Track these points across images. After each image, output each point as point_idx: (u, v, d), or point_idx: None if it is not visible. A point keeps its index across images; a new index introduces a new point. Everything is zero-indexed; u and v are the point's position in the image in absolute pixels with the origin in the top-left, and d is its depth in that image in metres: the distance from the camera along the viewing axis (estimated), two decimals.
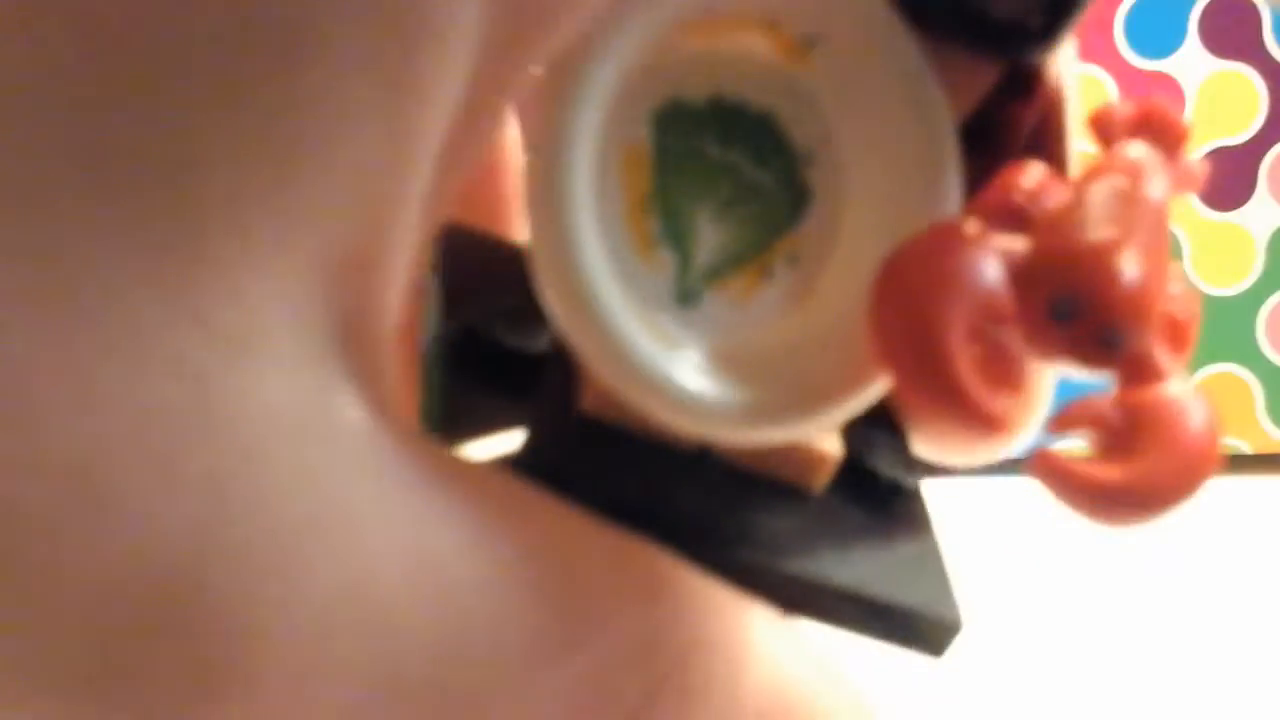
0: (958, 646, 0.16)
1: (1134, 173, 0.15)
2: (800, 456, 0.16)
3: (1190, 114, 0.97)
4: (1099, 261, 0.14)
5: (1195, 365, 0.99)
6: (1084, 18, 0.15)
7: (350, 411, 0.12)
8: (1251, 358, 1.00)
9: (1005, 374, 0.14)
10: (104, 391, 0.10)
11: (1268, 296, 0.99)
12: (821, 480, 0.17)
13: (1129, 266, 0.14)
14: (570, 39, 0.14)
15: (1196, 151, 0.97)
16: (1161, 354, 0.14)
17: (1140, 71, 0.95)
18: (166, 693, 0.11)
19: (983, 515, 0.79)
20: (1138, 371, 0.14)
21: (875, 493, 0.17)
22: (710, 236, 0.15)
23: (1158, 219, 0.15)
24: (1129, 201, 0.14)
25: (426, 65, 0.11)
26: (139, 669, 0.11)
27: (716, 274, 0.15)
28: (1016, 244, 0.14)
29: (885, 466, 0.17)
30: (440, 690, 0.12)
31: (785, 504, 0.16)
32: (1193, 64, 0.96)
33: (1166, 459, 0.14)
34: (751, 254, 0.16)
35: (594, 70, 0.14)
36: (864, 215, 0.15)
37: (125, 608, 0.10)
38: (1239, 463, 0.98)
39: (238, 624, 0.11)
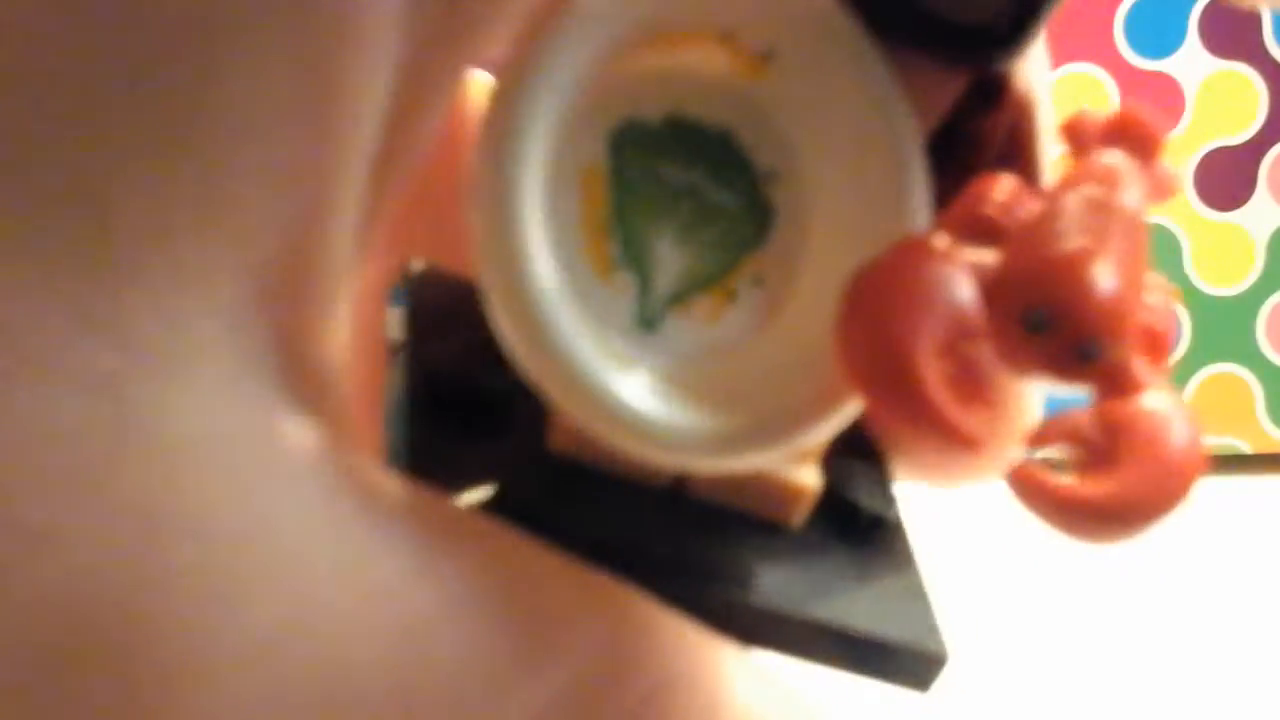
0: (944, 679, 0.16)
1: (1109, 181, 0.15)
2: (777, 490, 0.16)
3: (1190, 114, 0.96)
4: (1071, 272, 0.14)
5: (1195, 365, 0.99)
6: (1049, 23, 0.15)
7: (290, 433, 0.11)
8: (1251, 358, 0.99)
9: (978, 390, 0.14)
10: (13, 409, 0.10)
11: (1268, 296, 0.99)
12: (800, 514, 0.16)
13: (1103, 276, 0.14)
14: (516, 50, 0.13)
15: (1196, 151, 0.97)
16: (1139, 365, 0.14)
17: (1140, 71, 0.95)
18: None
19: (971, 517, 0.79)
20: (1115, 383, 0.14)
21: (856, 526, 0.17)
22: (671, 261, 0.15)
23: (1133, 227, 0.14)
24: (1103, 210, 0.14)
25: (352, 61, 0.11)
26: (61, 711, 0.10)
27: (678, 299, 0.15)
28: (987, 257, 0.14)
29: (866, 499, 0.17)
30: None
31: (763, 539, 0.16)
32: (1193, 64, 0.96)
33: (1147, 472, 0.13)
34: (715, 277, 0.15)
35: (540, 86, 0.13)
36: (830, 233, 0.15)
37: (43, 644, 0.10)
38: (1239, 463, 0.97)
39: (172, 658, 0.10)
